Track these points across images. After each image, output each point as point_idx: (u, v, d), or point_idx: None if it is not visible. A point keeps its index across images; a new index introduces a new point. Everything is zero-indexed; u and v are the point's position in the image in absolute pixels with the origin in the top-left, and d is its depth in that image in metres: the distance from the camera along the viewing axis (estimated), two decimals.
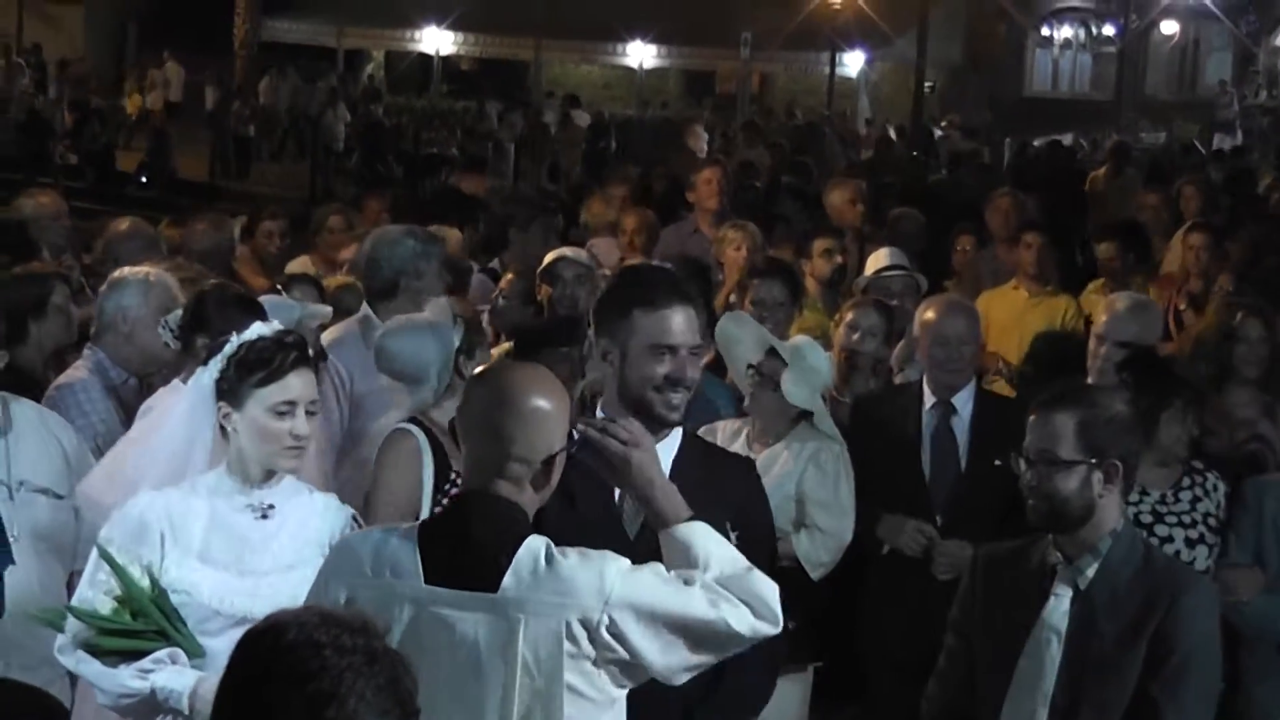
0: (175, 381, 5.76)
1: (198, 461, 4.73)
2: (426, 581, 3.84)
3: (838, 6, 38.92)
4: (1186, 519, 6.23)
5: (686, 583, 3.82)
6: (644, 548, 4.06)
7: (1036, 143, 30.02)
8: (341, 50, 44.93)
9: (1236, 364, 7.10)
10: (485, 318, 7.71)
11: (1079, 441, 4.57)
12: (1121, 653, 4.53)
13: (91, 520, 5.13)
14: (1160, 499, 6.20)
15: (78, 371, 6.52)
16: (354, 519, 4.80)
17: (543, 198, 14.37)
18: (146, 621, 4.54)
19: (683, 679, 3.90)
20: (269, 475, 4.69)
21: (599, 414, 4.39)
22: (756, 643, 3.92)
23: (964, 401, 6.77)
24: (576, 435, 3.98)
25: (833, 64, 39.71)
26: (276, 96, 36.53)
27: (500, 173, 29.62)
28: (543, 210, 10.69)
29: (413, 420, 5.78)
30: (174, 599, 4.56)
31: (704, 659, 3.88)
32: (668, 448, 4.40)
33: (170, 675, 4.48)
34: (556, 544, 3.83)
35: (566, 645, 3.76)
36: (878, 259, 9.01)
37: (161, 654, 4.51)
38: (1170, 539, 6.11)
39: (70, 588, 5.21)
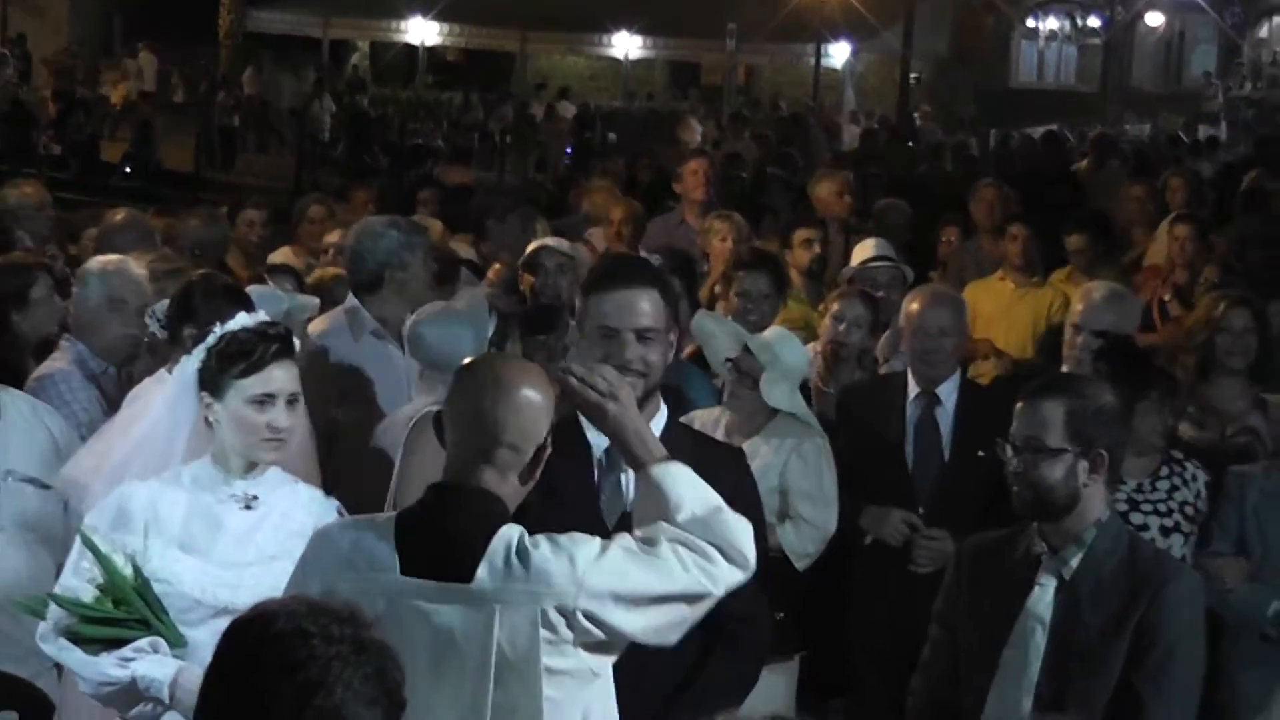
0: (161, 371, 5.77)
1: (177, 450, 4.73)
2: (403, 573, 3.85)
3: None
4: (1162, 508, 6.27)
5: (655, 543, 3.84)
6: None
7: (1018, 133, 30.01)
8: (327, 41, 44.85)
9: (1221, 355, 7.12)
10: None
11: (1067, 430, 4.58)
12: (1106, 643, 4.54)
13: (75, 505, 5.13)
14: (1136, 487, 6.24)
15: (56, 362, 6.52)
16: (339, 512, 4.80)
17: (525, 189, 14.39)
18: (129, 610, 4.54)
19: (675, 637, 3.93)
20: (252, 466, 4.69)
21: None
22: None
23: (948, 392, 6.78)
24: (558, 380, 4.01)
25: (818, 55, 39.69)
26: (261, 87, 36.46)
27: (487, 164, 29.60)
28: (521, 201, 10.71)
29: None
30: (156, 588, 4.56)
31: (688, 615, 3.91)
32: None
33: (151, 664, 4.48)
34: (534, 534, 3.85)
35: (544, 633, 3.78)
36: (863, 250, 9.02)
37: (143, 643, 4.51)
38: (1145, 527, 6.15)
39: None
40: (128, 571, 4.55)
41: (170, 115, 33.61)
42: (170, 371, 5.26)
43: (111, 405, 6.13)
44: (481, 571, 3.80)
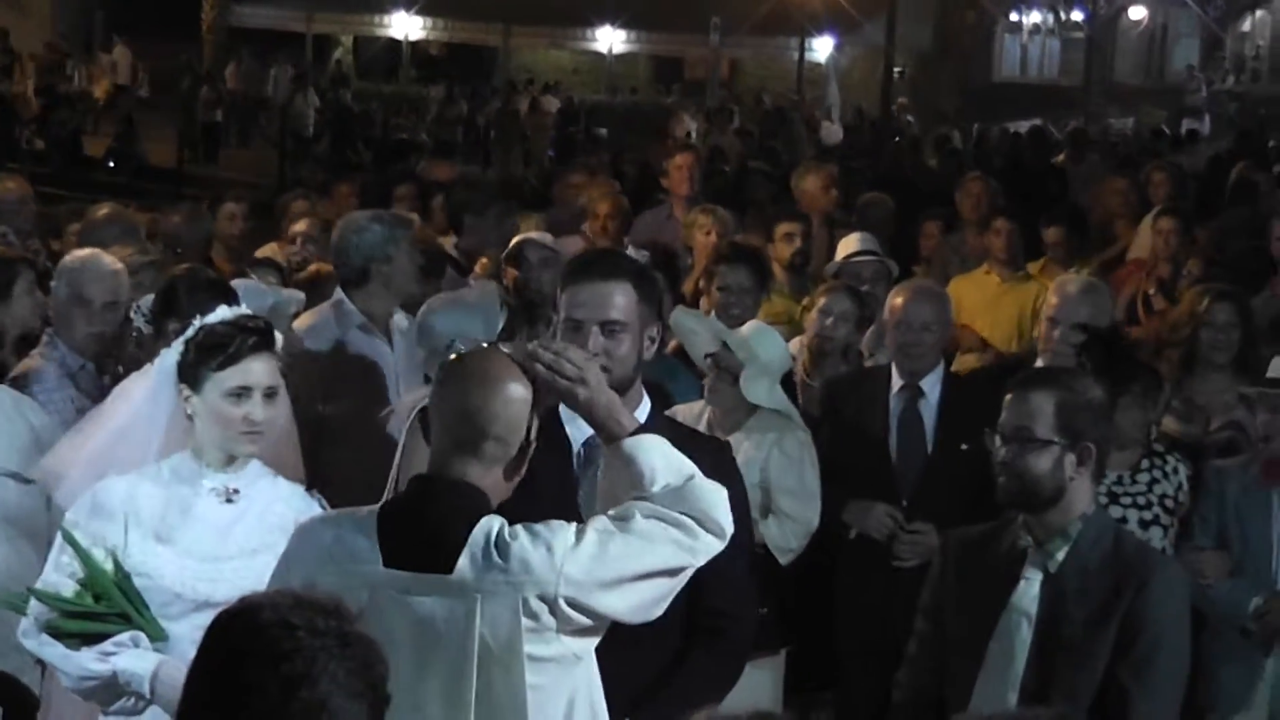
0: (147, 366, 5.75)
1: (155, 443, 4.72)
2: (386, 565, 3.86)
3: None
4: (1142, 500, 6.28)
5: (630, 520, 3.85)
6: None
7: (998, 128, 30.06)
8: (310, 35, 44.79)
9: (1205, 350, 7.13)
10: None
11: (1056, 422, 4.59)
12: (1091, 636, 4.55)
13: (54, 497, 5.12)
14: (1117, 480, 6.26)
15: (33, 360, 6.51)
16: (321, 506, 4.79)
17: (503, 185, 14.39)
18: (109, 604, 4.53)
19: (659, 612, 3.93)
20: (232, 459, 4.68)
21: None
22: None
23: (931, 385, 6.78)
24: (528, 361, 4.01)
25: (802, 49, 39.69)
26: (244, 82, 36.41)
27: (472, 159, 29.60)
28: (496, 198, 10.71)
29: None
30: (137, 582, 4.55)
31: (670, 589, 3.92)
32: None
33: (132, 658, 4.47)
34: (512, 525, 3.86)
35: (526, 621, 3.78)
36: (848, 244, 9.02)
37: (123, 637, 4.50)
38: (1125, 520, 6.16)
39: None
40: (108, 566, 4.55)
41: (152, 110, 33.53)
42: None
43: (93, 402, 6.11)
44: (462, 562, 3.80)
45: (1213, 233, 11.03)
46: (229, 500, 4.66)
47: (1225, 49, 50.83)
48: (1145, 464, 6.35)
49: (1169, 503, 6.32)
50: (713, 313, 7.51)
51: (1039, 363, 6.94)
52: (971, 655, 4.65)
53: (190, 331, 4.67)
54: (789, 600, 6.52)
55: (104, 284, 6.53)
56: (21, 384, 6.32)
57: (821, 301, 7.70)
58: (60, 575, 4.57)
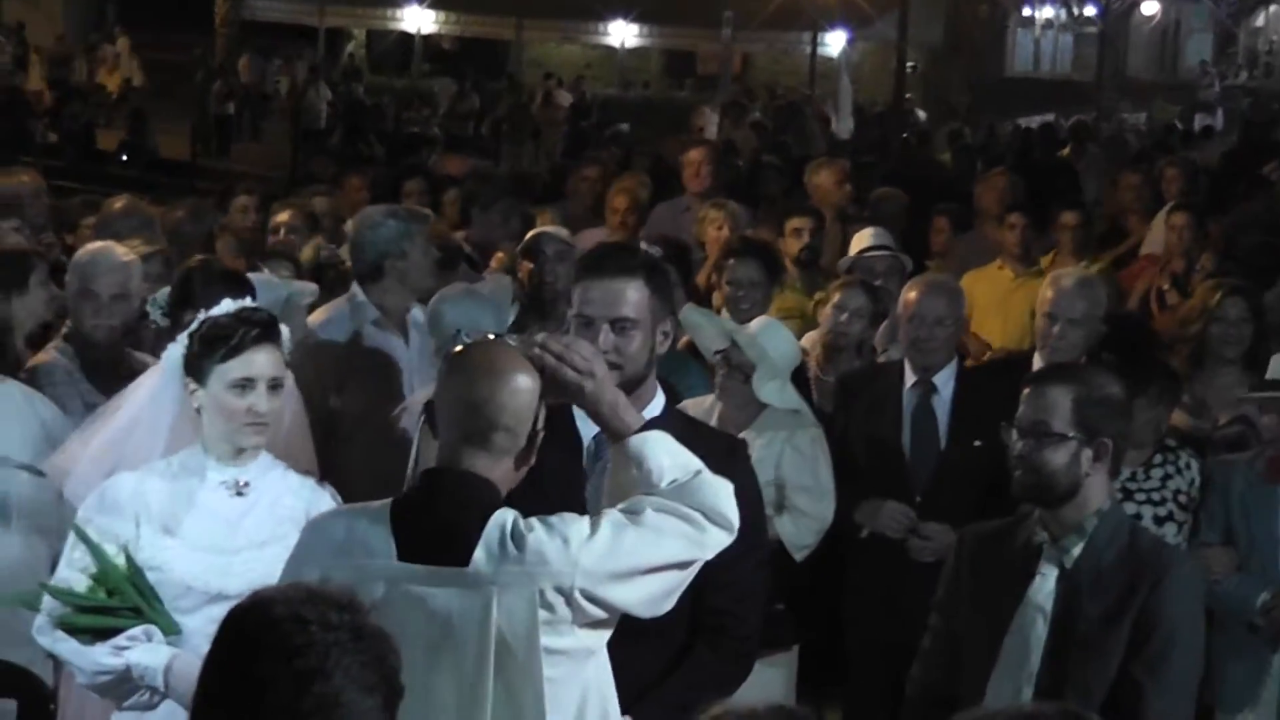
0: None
1: (162, 436, 4.73)
2: (400, 559, 3.85)
3: None
4: (1156, 496, 6.28)
5: (641, 514, 3.85)
6: None
7: (1011, 123, 30.05)
8: (322, 28, 44.81)
9: (1216, 345, 7.11)
10: None
11: (1073, 417, 4.57)
12: (1106, 632, 4.53)
13: (67, 494, 5.12)
14: (1130, 476, 6.25)
15: (45, 354, 6.50)
16: (333, 498, 4.78)
17: (513, 179, 14.36)
18: (122, 599, 4.53)
19: (669, 606, 3.94)
20: (240, 452, 4.68)
21: None
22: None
23: (945, 380, 6.77)
24: (533, 358, 4.01)
25: (814, 44, 39.67)
26: (256, 75, 36.42)
27: (484, 152, 29.56)
28: (505, 192, 10.69)
29: None
30: (149, 576, 4.55)
31: (680, 582, 3.94)
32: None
33: (145, 652, 4.47)
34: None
35: (542, 613, 3.78)
36: (861, 239, 9.00)
37: (137, 631, 4.50)
38: (1139, 516, 6.15)
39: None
40: (120, 560, 4.55)
41: (164, 102, 33.55)
42: None
43: (105, 397, 6.11)
44: (478, 555, 3.80)
45: (1225, 228, 11.01)
46: (239, 493, 4.67)
47: (1238, 44, 50.79)
48: (1158, 459, 6.34)
49: (1182, 498, 6.31)
50: (724, 308, 7.50)
51: (1036, 359, 6.91)
52: (986, 651, 4.64)
53: (195, 324, 4.67)
54: (801, 596, 6.51)
55: (112, 276, 6.50)
56: (33, 379, 6.31)
57: (836, 297, 7.68)
58: (73, 571, 4.58)
